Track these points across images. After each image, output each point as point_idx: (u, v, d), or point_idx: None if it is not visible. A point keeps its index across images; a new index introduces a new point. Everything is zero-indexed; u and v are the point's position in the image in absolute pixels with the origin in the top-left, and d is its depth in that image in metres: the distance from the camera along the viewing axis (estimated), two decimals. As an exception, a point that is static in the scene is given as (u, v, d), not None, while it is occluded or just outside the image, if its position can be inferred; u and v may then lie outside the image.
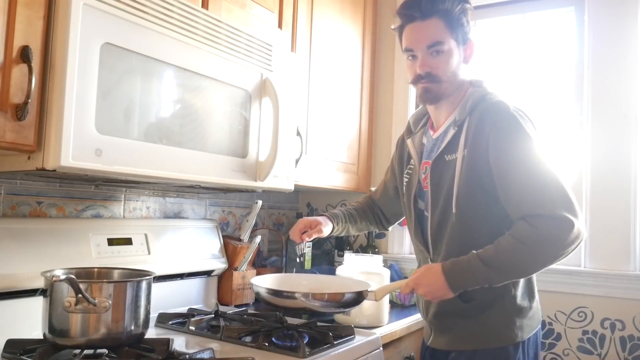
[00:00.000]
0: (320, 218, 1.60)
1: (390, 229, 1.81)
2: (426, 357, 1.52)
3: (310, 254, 2.32)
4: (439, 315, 1.42)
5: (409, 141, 1.55)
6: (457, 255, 1.32)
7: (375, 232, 1.78)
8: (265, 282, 1.58)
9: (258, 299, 1.54)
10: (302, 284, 1.65)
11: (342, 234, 1.70)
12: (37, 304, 1.32)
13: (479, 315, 1.35)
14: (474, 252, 1.27)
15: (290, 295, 1.42)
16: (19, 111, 1.10)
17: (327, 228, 1.59)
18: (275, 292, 1.46)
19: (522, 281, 1.36)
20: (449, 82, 1.39)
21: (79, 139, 1.14)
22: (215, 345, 1.43)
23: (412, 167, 1.53)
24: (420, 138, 1.52)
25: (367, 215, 1.73)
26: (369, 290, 1.46)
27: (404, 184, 1.55)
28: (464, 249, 1.31)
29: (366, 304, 1.68)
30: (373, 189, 1.79)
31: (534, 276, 1.39)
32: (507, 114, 1.31)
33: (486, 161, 1.31)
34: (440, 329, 1.43)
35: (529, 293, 1.38)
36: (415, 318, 1.94)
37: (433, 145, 1.46)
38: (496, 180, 1.30)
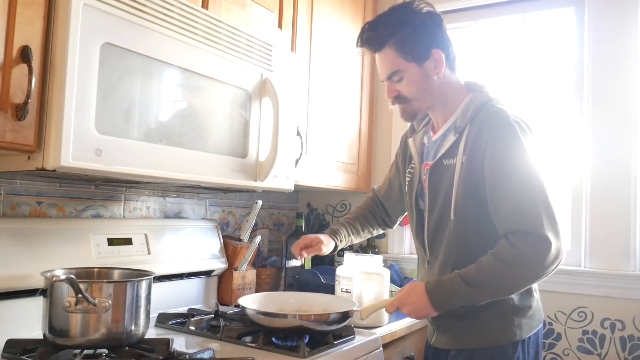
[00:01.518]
0: (322, 237, 1.64)
1: (394, 227, 1.82)
2: (429, 355, 1.53)
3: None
4: (438, 316, 1.42)
5: (410, 140, 1.56)
6: (455, 261, 1.36)
7: (379, 232, 1.82)
8: (252, 302, 1.60)
9: (245, 318, 1.56)
10: (290, 302, 1.70)
11: (346, 247, 1.74)
12: (37, 304, 1.32)
13: (477, 315, 1.36)
14: (457, 271, 1.30)
15: (278, 315, 1.45)
16: (19, 111, 1.10)
17: (328, 247, 1.64)
18: (263, 314, 1.47)
19: None
20: (420, 100, 1.41)
21: (79, 139, 1.14)
22: (215, 345, 1.43)
23: (413, 166, 1.54)
24: (422, 138, 1.53)
25: (369, 221, 1.75)
26: (354, 309, 1.51)
27: (406, 182, 1.57)
28: (462, 254, 1.35)
29: (366, 302, 1.69)
30: (376, 186, 1.82)
31: None
32: (506, 124, 1.30)
33: (482, 170, 1.32)
34: (441, 329, 1.45)
35: (527, 293, 1.38)
36: (415, 318, 1.94)
37: (432, 147, 1.47)
38: (487, 191, 1.31)
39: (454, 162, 1.37)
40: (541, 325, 1.42)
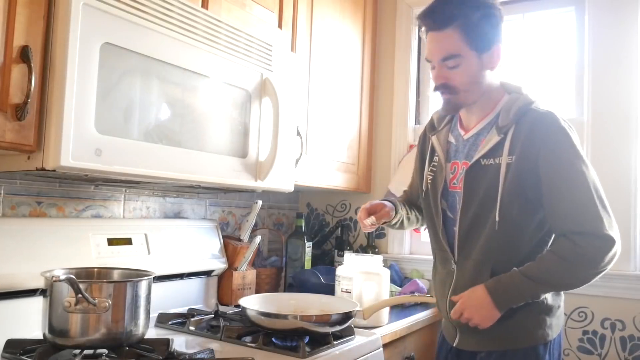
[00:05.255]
0: (385, 202, 1.59)
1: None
2: (450, 358, 1.49)
3: (310, 253, 2.32)
4: None
5: (434, 138, 1.52)
6: (495, 260, 1.35)
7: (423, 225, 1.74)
8: (253, 303, 1.59)
9: (245, 319, 1.55)
10: (290, 303, 1.70)
11: (397, 225, 1.66)
12: (37, 304, 1.32)
13: (510, 316, 1.34)
14: (516, 269, 1.30)
15: (279, 316, 1.45)
16: (19, 111, 1.10)
17: (392, 212, 1.58)
18: (265, 314, 1.47)
19: None
20: (469, 92, 1.38)
21: (79, 139, 1.14)
22: (215, 345, 1.43)
23: (436, 164, 1.50)
24: (446, 136, 1.50)
25: (414, 207, 1.70)
26: (356, 310, 1.51)
27: (429, 181, 1.52)
28: (504, 255, 1.35)
29: (367, 302, 1.69)
30: (407, 189, 1.77)
31: None
32: (559, 127, 1.32)
33: (534, 171, 1.31)
34: (469, 330, 1.40)
35: (557, 292, 1.40)
36: (415, 318, 1.94)
37: (464, 146, 1.45)
38: (544, 192, 1.31)
39: (496, 162, 1.35)
40: (562, 327, 1.44)
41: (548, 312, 1.36)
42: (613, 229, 1.27)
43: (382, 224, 1.60)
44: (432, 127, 1.56)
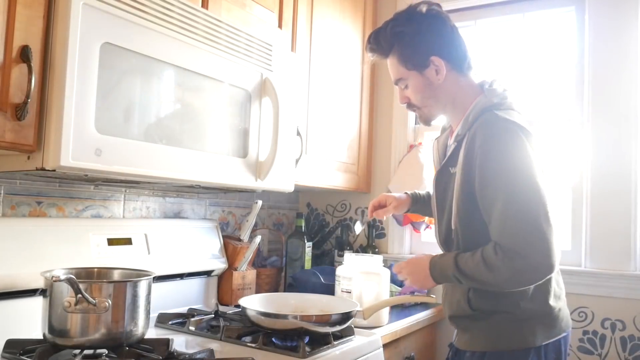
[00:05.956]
0: (397, 195, 1.67)
1: None
2: (450, 355, 1.51)
3: (310, 253, 2.32)
4: (452, 317, 1.43)
5: (434, 142, 1.55)
6: None
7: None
8: (253, 303, 1.59)
9: (245, 319, 1.55)
10: (291, 303, 1.70)
11: (427, 212, 1.71)
12: (37, 304, 1.32)
13: (488, 318, 1.34)
14: (456, 252, 1.32)
15: (279, 316, 1.45)
16: (19, 111, 1.10)
17: (401, 205, 1.66)
18: (265, 314, 1.48)
19: (531, 288, 1.31)
20: (429, 106, 1.42)
21: (79, 139, 1.14)
22: (215, 345, 1.43)
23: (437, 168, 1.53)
24: (446, 140, 1.51)
25: None
26: (356, 310, 1.51)
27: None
28: None
29: (367, 302, 1.69)
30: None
31: (552, 283, 1.34)
32: (496, 132, 1.26)
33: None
34: (460, 329, 1.43)
35: (544, 301, 1.33)
36: (415, 318, 1.94)
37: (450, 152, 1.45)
38: (479, 201, 1.28)
39: (455, 171, 1.34)
40: (566, 334, 1.37)
41: (530, 319, 1.31)
42: (537, 250, 1.19)
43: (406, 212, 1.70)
44: (441, 130, 1.58)
